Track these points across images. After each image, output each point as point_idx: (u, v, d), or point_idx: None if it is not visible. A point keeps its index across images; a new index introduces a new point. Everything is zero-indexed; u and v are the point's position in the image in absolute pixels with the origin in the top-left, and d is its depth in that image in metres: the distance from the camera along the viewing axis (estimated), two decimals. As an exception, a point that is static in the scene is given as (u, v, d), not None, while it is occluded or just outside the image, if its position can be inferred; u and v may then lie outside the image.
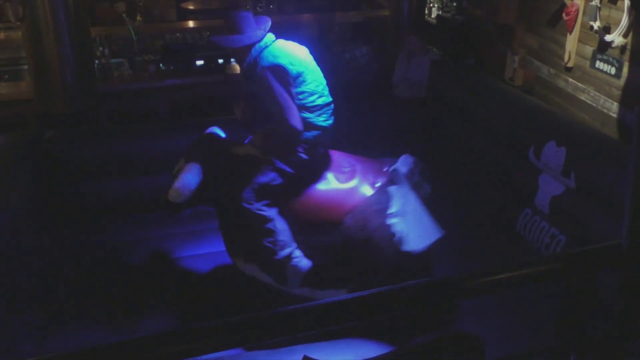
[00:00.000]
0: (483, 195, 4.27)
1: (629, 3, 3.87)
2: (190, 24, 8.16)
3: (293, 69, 3.23)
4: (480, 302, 3.29)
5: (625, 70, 4.04)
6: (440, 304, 2.21)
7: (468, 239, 3.93)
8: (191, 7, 9.66)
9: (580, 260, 1.58)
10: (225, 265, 3.72)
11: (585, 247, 1.71)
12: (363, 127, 4.75)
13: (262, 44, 3.29)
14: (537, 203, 3.65)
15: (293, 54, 3.31)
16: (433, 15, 7.19)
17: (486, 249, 3.82)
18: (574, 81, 4.62)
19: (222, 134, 3.63)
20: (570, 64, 4.61)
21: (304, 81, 3.26)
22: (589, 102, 4.43)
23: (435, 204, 3.57)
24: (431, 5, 7.33)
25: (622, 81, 4.07)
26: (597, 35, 4.26)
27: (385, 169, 3.33)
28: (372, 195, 3.19)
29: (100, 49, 6.35)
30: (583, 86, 4.50)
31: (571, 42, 4.55)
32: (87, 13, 5.13)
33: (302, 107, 3.25)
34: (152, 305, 3.58)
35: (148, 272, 3.85)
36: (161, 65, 6.53)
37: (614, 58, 4.13)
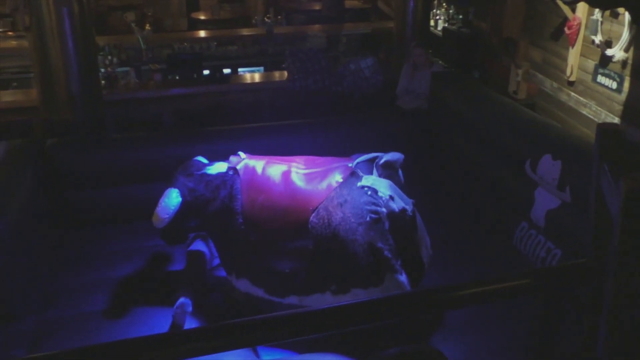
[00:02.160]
0: (480, 208, 4.24)
1: (629, 18, 3.85)
2: (201, 33, 8.26)
3: None
4: (452, 317, 3.25)
5: (626, 85, 4.01)
6: (404, 316, 2.19)
7: (464, 252, 3.90)
8: (202, 17, 9.78)
9: (548, 277, 1.56)
10: (221, 276, 3.75)
11: (554, 265, 1.69)
12: (366, 137, 4.76)
13: None
14: (533, 216, 3.62)
15: None
16: (439, 28, 7.20)
17: (482, 262, 3.79)
18: (576, 95, 4.60)
19: (205, 161, 3.68)
20: (572, 78, 4.58)
21: None
22: (591, 116, 4.40)
23: (432, 216, 3.56)
24: (437, 17, 7.35)
25: (623, 96, 4.04)
26: (598, 49, 4.24)
27: (349, 164, 3.34)
28: (333, 190, 3.19)
29: (109, 57, 6.42)
30: (585, 100, 4.47)
31: (573, 56, 4.53)
32: (94, 22, 5.19)
33: None
34: (151, 314, 3.57)
35: (148, 280, 3.85)
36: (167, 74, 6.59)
37: (615, 73, 4.10)
